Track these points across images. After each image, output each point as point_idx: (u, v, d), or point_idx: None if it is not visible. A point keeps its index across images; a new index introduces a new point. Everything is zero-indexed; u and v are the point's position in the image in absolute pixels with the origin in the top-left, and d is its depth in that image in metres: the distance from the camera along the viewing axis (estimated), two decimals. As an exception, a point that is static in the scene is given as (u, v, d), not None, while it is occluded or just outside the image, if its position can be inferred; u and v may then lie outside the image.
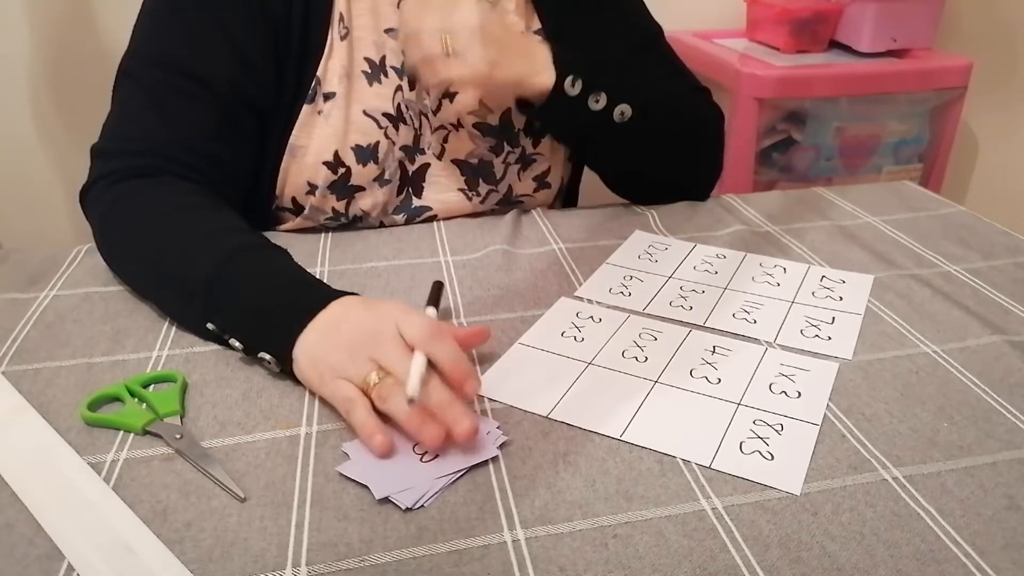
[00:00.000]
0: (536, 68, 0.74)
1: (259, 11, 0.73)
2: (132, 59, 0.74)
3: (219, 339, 0.60)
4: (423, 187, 0.84)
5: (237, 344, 0.58)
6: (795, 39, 1.69)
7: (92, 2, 1.55)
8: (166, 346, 0.61)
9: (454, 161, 0.84)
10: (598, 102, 0.76)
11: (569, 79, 0.74)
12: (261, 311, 0.58)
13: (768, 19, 1.73)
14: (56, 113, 1.63)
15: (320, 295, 0.57)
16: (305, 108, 0.76)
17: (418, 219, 0.85)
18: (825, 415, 0.53)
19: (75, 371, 0.58)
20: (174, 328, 0.64)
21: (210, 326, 0.59)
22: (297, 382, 0.56)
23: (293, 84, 0.76)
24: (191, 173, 0.71)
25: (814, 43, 1.71)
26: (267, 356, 0.56)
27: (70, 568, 0.42)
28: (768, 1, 1.71)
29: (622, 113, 0.77)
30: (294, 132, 0.76)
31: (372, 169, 0.79)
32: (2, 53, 1.56)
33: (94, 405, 0.54)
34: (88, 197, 0.72)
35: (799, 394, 0.55)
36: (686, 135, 0.86)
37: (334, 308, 0.56)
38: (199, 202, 0.69)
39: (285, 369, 0.56)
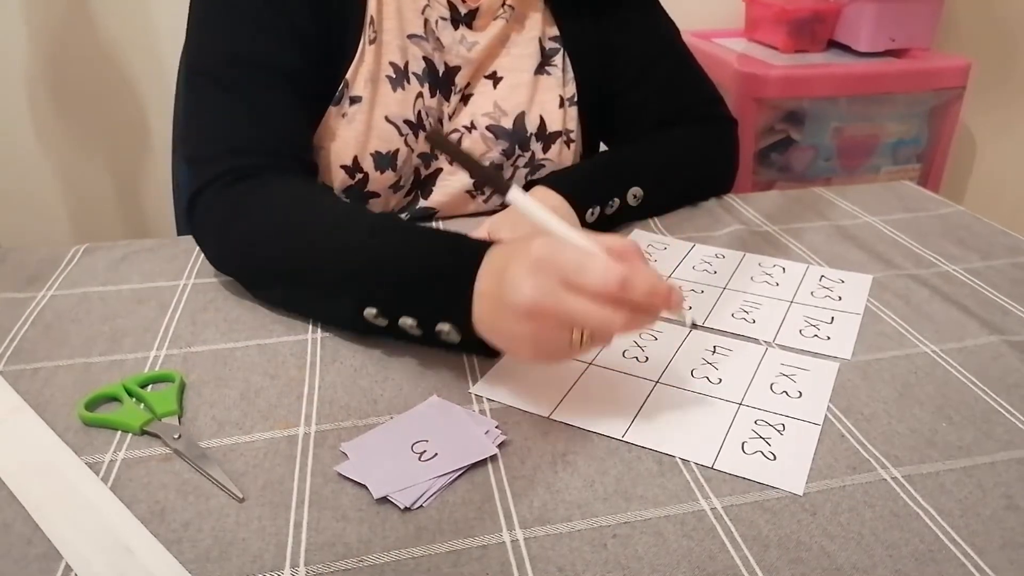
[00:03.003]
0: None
1: (318, 2, 0.73)
2: (203, 58, 0.72)
3: (374, 328, 0.58)
4: (432, 190, 0.85)
5: (410, 322, 0.55)
6: (794, 39, 1.69)
7: (90, 3, 1.55)
8: (164, 346, 0.61)
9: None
10: (612, 205, 0.79)
11: (588, 213, 0.76)
12: (422, 279, 0.55)
13: (767, 19, 1.73)
14: (55, 114, 1.63)
15: (471, 248, 0.54)
16: (331, 109, 0.76)
17: (420, 218, 0.85)
18: (824, 415, 0.53)
19: (73, 371, 0.58)
20: (172, 328, 0.64)
21: (372, 310, 0.56)
22: (295, 381, 0.56)
23: (323, 84, 0.75)
24: (294, 164, 0.71)
25: (813, 43, 1.71)
26: (446, 327, 0.53)
27: (68, 568, 0.42)
28: (767, 1, 1.71)
29: (635, 196, 0.80)
30: (317, 132, 0.76)
31: (390, 176, 0.79)
32: (0, 54, 1.56)
33: (92, 405, 0.54)
34: (197, 205, 0.69)
35: (800, 394, 0.55)
36: (699, 178, 0.89)
37: (492, 258, 0.52)
38: (309, 191, 0.68)
39: (471, 335, 0.53)
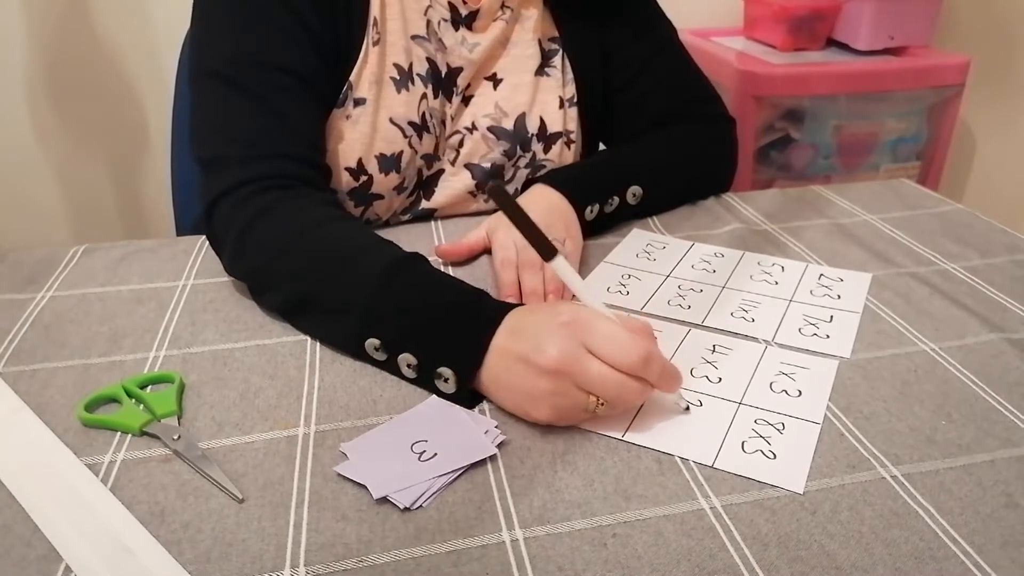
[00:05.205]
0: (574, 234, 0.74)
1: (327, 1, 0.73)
2: (212, 60, 0.71)
3: (376, 361, 0.58)
4: (434, 191, 0.85)
5: (411, 360, 0.55)
6: (793, 37, 1.69)
7: (89, 5, 1.55)
8: (163, 347, 0.61)
9: (467, 165, 0.84)
10: (611, 203, 0.79)
11: (587, 211, 0.76)
12: (438, 319, 0.55)
13: (766, 17, 1.73)
14: (54, 114, 1.63)
15: (493, 306, 0.55)
16: (334, 112, 0.76)
17: (422, 218, 0.85)
18: (824, 414, 0.53)
19: (72, 372, 0.58)
20: (171, 329, 0.64)
21: (375, 342, 0.56)
22: (295, 381, 0.56)
23: (329, 85, 0.75)
24: (309, 168, 0.71)
25: (812, 41, 1.71)
26: (447, 372, 0.53)
27: (68, 569, 0.42)
28: (766, -1, 1.71)
29: (634, 195, 0.81)
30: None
31: (394, 178, 0.79)
32: (0, 54, 1.56)
33: (91, 406, 0.54)
34: (215, 213, 0.67)
35: (800, 392, 0.55)
36: (698, 176, 0.89)
37: (513, 319, 0.54)
38: (333, 214, 0.67)
39: (465, 387, 0.53)
